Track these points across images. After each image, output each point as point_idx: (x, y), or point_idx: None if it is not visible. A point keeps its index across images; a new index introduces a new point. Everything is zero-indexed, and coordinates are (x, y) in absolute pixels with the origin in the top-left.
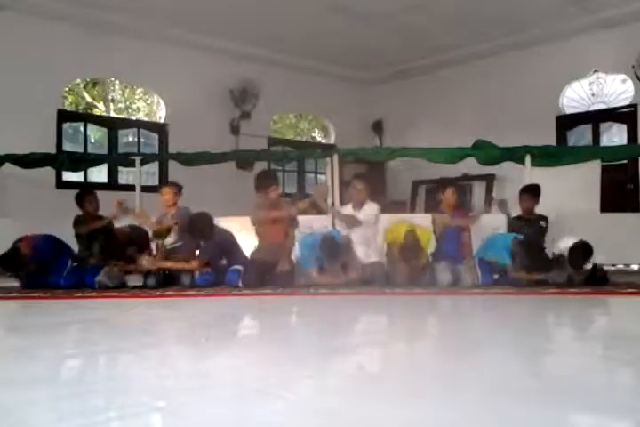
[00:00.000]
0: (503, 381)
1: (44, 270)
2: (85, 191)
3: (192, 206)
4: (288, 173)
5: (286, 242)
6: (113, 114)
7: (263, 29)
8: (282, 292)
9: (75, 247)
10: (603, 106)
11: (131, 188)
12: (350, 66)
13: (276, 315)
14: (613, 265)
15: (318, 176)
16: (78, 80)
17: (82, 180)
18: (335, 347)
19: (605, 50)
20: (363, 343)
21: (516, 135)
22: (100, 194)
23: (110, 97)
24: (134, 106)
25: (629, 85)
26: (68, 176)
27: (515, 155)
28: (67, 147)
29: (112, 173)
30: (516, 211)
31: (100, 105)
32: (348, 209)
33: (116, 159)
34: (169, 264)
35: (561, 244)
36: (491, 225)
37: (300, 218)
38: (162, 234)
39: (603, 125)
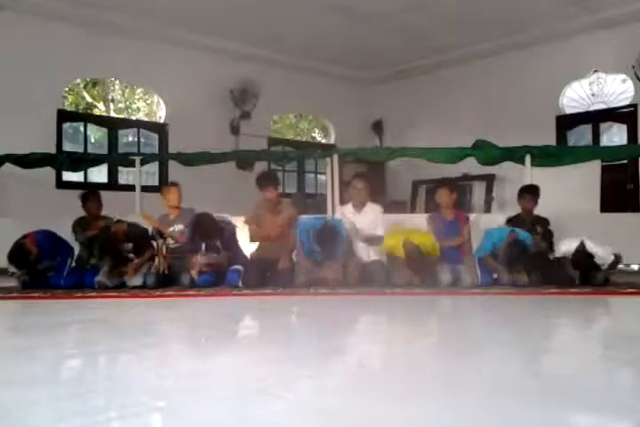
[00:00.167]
0: (503, 381)
1: (46, 269)
2: (89, 192)
3: (192, 206)
4: (288, 173)
5: (286, 241)
6: (113, 114)
7: (263, 29)
8: (282, 292)
9: (75, 247)
10: (603, 106)
11: (131, 188)
12: (350, 66)
13: (276, 315)
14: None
15: (318, 176)
16: (78, 80)
17: (82, 180)
18: (335, 347)
19: (605, 50)
20: (363, 343)
21: (516, 135)
22: (100, 194)
23: (110, 97)
24: (134, 106)
25: (629, 85)
26: (68, 176)
27: (515, 155)
28: (67, 147)
29: (112, 173)
30: (515, 211)
31: (100, 105)
32: (348, 209)
33: (115, 159)
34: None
35: (562, 246)
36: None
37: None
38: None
39: (603, 125)
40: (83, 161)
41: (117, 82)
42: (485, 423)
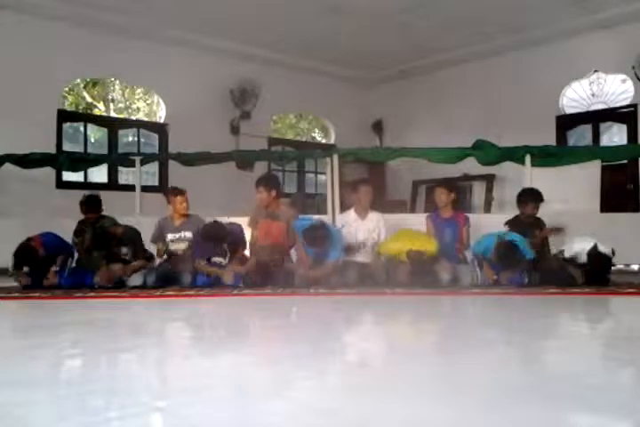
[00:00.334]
0: (503, 381)
1: (47, 269)
2: (87, 200)
3: (192, 206)
4: (288, 173)
5: (286, 242)
6: (113, 114)
7: (263, 29)
8: (282, 292)
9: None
10: (603, 106)
11: (131, 188)
12: (350, 66)
13: (276, 315)
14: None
15: (318, 176)
16: (78, 80)
17: (82, 180)
18: (335, 347)
19: (605, 50)
20: (363, 343)
21: (516, 135)
22: (100, 194)
23: (110, 97)
24: (134, 106)
25: (629, 85)
26: (68, 176)
27: (515, 155)
28: (67, 147)
29: (112, 173)
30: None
31: (100, 105)
32: (350, 215)
33: (115, 159)
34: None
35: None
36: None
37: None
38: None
39: (603, 125)
40: (83, 161)
41: (117, 82)
42: (485, 423)
